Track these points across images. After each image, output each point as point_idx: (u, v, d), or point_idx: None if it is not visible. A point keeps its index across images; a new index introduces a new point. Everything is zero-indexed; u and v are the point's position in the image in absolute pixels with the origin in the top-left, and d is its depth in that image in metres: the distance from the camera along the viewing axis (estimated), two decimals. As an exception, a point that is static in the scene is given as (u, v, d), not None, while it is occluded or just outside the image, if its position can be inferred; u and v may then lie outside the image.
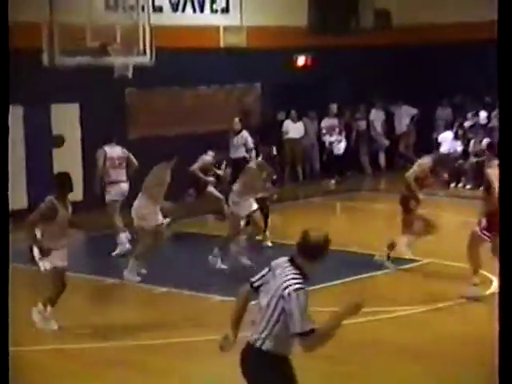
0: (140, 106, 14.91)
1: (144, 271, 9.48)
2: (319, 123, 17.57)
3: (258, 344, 4.32)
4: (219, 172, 12.02)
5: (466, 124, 17.00)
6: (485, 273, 9.45)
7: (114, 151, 11.11)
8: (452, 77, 16.99)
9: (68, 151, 13.77)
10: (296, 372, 4.45)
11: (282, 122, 17.04)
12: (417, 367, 6.90)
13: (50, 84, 12.79)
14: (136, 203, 9.51)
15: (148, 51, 13.07)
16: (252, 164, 10.28)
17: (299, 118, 17.07)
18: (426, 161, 9.85)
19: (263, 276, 4.43)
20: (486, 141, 16.14)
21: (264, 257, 9.96)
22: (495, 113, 16.67)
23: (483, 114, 16.95)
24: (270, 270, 4.41)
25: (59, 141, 12.57)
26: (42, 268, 7.37)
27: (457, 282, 9.27)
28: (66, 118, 13.97)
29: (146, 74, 13.35)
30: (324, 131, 17.49)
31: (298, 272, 4.27)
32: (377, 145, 18.22)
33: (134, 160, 11.16)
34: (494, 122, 16.62)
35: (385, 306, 8.26)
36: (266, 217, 10.89)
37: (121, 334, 7.69)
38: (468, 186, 16.10)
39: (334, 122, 17.51)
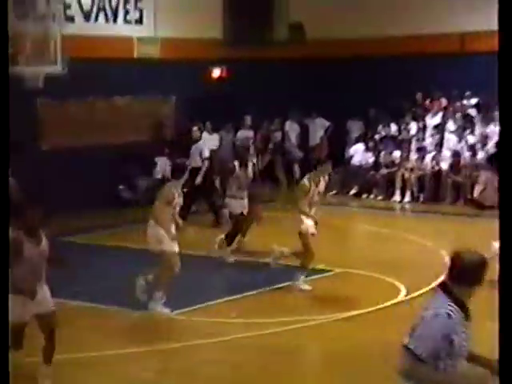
0: (52, 116, 14.59)
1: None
2: (235, 135, 17.64)
3: None
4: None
5: (377, 136, 17.42)
6: (394, 282, 9.70)
7: None
8: (365, 90, 17.36)
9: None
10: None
11: (198, 133, 16.99)
12: (333, 374, 6.99)
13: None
14: (148, 229, 8.61)
15: (59, 61, 12.84)
16: (304, 181, 9.52)
17: (215, 130, 17.09)
18: None
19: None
20: (396, 152, 16.63)
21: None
22: (404, 125, 17.17)
23: (394, 127, 17.42)
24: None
25: None
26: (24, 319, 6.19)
27: (368, 290, 9.49)
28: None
29: (59, 84, 13.09)
30: (239, 143, 17.56)
31: (451, 300, 3.80)
32: (291, 156, 18.44)
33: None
34: (404, 135, 17.11)
35: (301, 315, 8.36)
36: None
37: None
38: (379, 197, 16.48)
39: (249, 133, 17.62)
